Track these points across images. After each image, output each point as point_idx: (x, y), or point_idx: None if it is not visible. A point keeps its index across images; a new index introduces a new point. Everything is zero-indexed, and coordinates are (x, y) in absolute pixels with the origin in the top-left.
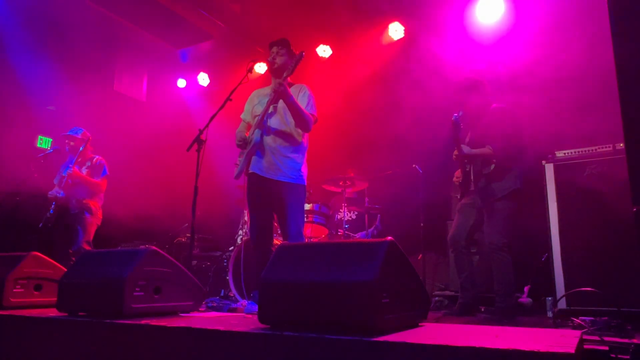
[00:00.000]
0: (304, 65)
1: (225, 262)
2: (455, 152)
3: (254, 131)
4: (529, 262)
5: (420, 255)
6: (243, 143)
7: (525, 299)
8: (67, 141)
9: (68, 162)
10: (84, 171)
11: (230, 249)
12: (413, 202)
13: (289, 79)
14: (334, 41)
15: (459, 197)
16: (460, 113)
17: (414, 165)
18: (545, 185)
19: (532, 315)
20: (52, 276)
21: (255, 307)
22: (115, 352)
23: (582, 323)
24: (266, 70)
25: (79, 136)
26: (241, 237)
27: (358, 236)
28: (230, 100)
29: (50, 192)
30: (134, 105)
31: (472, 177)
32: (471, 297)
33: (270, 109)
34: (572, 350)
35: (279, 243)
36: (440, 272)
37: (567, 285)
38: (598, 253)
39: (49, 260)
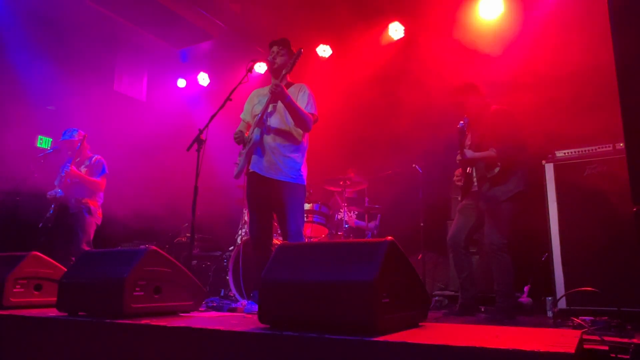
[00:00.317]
0: (304, 65)
1: (225, 262)
2: (459, 157)
3: (253, 130)
4: (529, 262)
5: (420, 255)
6: (240, 136)
7: (525, 299)
8: (67, 146)
9: (66, 163)
10: (83, 170)
11: (230, 248)
12: (413, 202)
13: (288, 78)
14: (334, 41)
15: (459, 198)
16: (466, 120)
17: (414, 165)
18: (545, 185)
19: (532, 315)
20: (52, 276)
21: (255, 307)
22: (115, 352)
23: (582, 323)
24: (266, 70)
25: (75, 138)
26: (241, 237)
27: (355, 223)
28: (230, 100)
29: (49, 192)
30: (134, 105)
31: (474, 179)
32: (471, 298)
33: (270, 108)
34: (572, 350)
35: (279, 243)
36: (440, 272)
37: (567, 285)
38: (598, 253)
39: (49, 260)
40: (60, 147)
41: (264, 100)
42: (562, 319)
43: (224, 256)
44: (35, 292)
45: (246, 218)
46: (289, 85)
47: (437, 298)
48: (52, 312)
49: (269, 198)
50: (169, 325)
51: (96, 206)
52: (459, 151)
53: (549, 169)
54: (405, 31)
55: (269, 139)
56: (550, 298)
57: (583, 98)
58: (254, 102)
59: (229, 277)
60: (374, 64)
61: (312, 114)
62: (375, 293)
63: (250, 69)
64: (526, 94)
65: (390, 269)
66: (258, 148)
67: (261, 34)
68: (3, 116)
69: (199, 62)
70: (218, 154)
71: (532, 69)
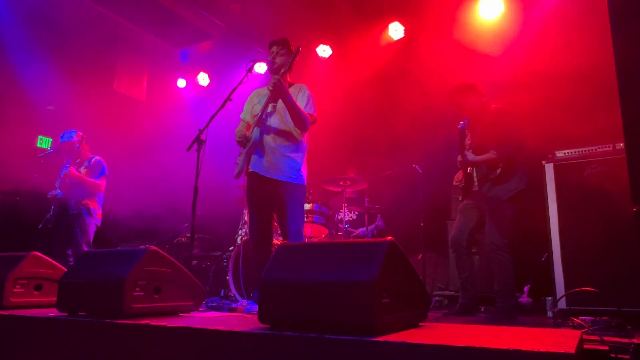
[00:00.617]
0: (304, 65)
1: (225, 262)
2: (460, 159)
3: (253, 130)
4: (529, 262)
5: (420, 255)
6: (243, 140)
7: (525, 299)
8: (66, 147)
9: (66, 164)
10: (83, 171)
11: (230, 248)
12: (413, 202)
13: (288, 78)
14: (334, 41)
15: (460, 198)
16: (466, 120)
17: (414, 165)
18: (545, 185)
19: (532, 315)
20: (52, 276)
21: (255, 307)
22: (115, 352)
23: (582, 323)
24: (266, 70)
25: (74, 139)
26: (241, 237)
27: (358, 232)
28: (230, 100)
29: (49, 193)
30: (134, 105)
31: (475, 179)
32: (471, 298)
33: (270, 108)
34: (572, 350)
35: (279, 243)
36: (440, 272)
37: (567, 285)
38: (598, 253)
39: (49, 260)
40: (59, 148)
41: (264, 100)
42: (562, 319)
43: (224, 256)
44: (35, 292)
45: (246, 218)
46: (289, 85)
47: (437, 298)
48: (52, 312)
49: (269, 198)
50: (169, 325)
51: (96, 207)
52: (459, 152)
53: (549, 169)
54: (405, 31)
55: (269, 139)
56: (550, 298)
57: (583, 98)
58: (253, 102)
59: (229, 277)
60: (374, 64)
61: (310, 115)
62: (375, 293)
63: (250, 69)
64: (526, 94)
65: (390, 269)
66: (258, 148)
67: (261, 34)
68: (3, 116)
69: (199, 62)
70: (218, 154)
71: (532, 69)
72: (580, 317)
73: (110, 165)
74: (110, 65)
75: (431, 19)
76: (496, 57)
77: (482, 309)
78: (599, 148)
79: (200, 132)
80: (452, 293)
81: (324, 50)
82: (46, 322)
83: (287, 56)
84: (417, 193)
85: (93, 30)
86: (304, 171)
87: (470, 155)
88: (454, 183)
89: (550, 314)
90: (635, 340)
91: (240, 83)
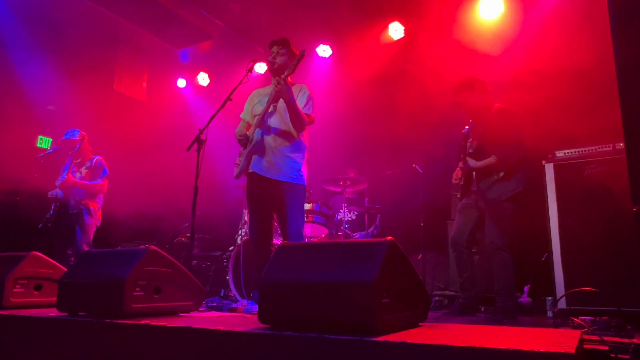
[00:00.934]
0: (304, 65)
1: (225, 262)
2: (461, 164)
3: (254, 130)
4: (529, 262)
5: (420, 255)
6: (244, 139)
7: (525, 299)
8: (68, 145)
9: (67, 164)
10: (84, 171)
11: (230, 248)
12: (413, 202)
13: (289, 78)
14: (334, 41)
15: (459, 195)
16: (471, 124)
17: (414, 165)
18: (545, 185)
19: (532, 315)
20: (52, 276)
21: (255, 307)
22: (115, 352)
23: (582, 323)
24: (266, 70)
25: (77, 137)
26: (241, 237)
27: (357, 236)
28: (230, 100)
29: (50, 192)
30: (134, 105)
31: (474, 178)
32: (471, 298)
33: (270, 109)
34: (572, 350)
35: (279, 243)
36: (440, 272)
37: (567, 285)
38: (598, 253)
39: (49, 260)
40: (60, 146)
41: (264, 100)
42: (562, 319)
43: (224, 256)
44: (35, 292)
45: (246, 218)
46: (290, 85)
47: (437, 298)
48: (52, 312)
49: (269, 198)
50: (169, 325)
51: (96, 207)
52: (461, 156)
53: (549, 169)
54: (405, 31)
55: (269, 140)
56: (550, 298)
57: (583, 98)
58: (254, 102)
59: (229, 277)
60: (374, 64)
61: (307, 115)
62: (375, 293)
63: (250, 69)
64: (526, 93)
65: (390, 269)
66: (258, 148)
67: (261, 34)
68: (3, 116)
69: (199, 62)
70: (218, 154)
71: (532, 69)
72: (580, 317)
73: (110, 165)
74: (110, 65)
75: (431, 19)
76: (496, 57)
77: (482, 309)
78: (599, 148)
79: (200, 132)
80: (452, 293)
81: (324, 50)
82: (46, 322)
83: (288, 56)
84: (417, 193)
85: (93, 30)
86: (304, 171)
87: (471, 162)
88: (454, 181)
89: (550, 314)
90: (635, 340)
91: (240, 83)
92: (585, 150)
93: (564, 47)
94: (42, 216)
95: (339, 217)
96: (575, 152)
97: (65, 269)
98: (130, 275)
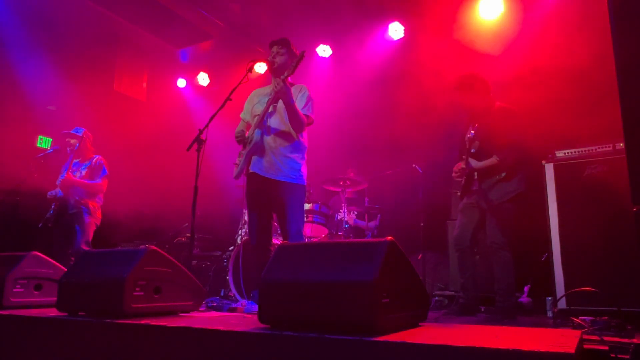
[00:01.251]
0: (304, 65)
1: (225, 262)
2: (463, 164)
3: (254, 131)
4: (529, 262)
5: (420, 255)
6: (243, 139)
7: (525, 299)
8: (67, 139)
9: (67, 163)
10: (84, 171)
11: (230, 248)
12: (413, 202)
13: (289, 79)
14: (334, 41)
15: (458, 193)
16: (477, 127)
17: (414, 165)
18: (545, 185)
19: (532, 315)
20: (52, 276)
21: (255, 307)
22: (115, 352)
23: (582, 323)
24: (266, 70)
25: (80, 135)
26: (241, 237)
27: (355, 222)
28: (230, 100)
29: (49, 192)
30: (134, 105)
31: (475, 178)
32: (472, 298)
33: (270, 109)
34: (572, 350)
35: (279, 243)
36: (440, 272)
37: (567, 285)
38: (598, 253)
39: (49, 260)
40: (60, 140)
41: (264, 100)
42: (562, 319)
43: (224, 256)
44: (35, 292)
45: (246, 218)
46: (290, 85)
47: (437, 298)
48: (52, 312)
49: (269, 198)
50: (169, 325)
51: (96, 207)
52: (462, 157)
53: (549, 169)
54: (405, 31)
55: (269, 140)
56: (550, 298)
57: (583, 98)
58: (254, 102)
59: (229, 277)
60: (374, 64)
61: (307, 116)
62: (375, 293)
63: (250, 69)
64: (526, 93)
65: (390, 269)
66: (258, 149)
67: (261, 34)
68: (3, 116)
69: (199, 62)
70: (218, 154)
71: (532, 69)
72: (580, 317)
73: (110, 165)
74: (110, 65)
75: (431, 19)
76: (496, 57)
77: (482, 309)
78: (599, 148)
79: (200, 132)
80: (452, 293)
81: (324, 50)
82: (46, 322)
83: (288, 56)
84: (417, 193)
85: (93, 30)
86: (304, 171)
87: (473, 162)
88: (453, 175)
89: (550, 314)
90: (635, 340)
91: (240, 83)
92: (585, 150)
93: (564, 47)
94: (42, 216)
95: (339, 217)
96: (575, 152)
97: (65, 269)
98: (130, 275)
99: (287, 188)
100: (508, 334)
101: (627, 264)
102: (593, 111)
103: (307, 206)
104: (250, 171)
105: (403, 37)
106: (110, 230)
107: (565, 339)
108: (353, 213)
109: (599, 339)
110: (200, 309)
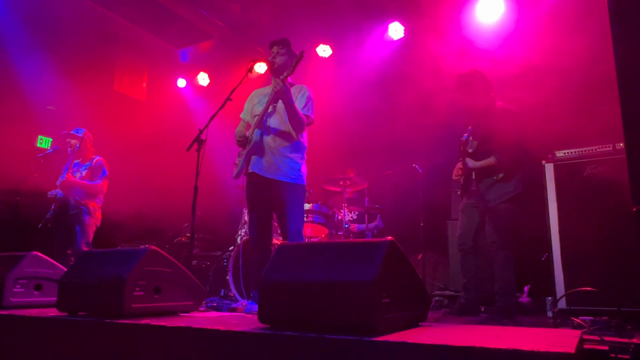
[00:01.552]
0: (304, 65)
1: (225, 262)
2: (460, 166)
3: (253, 131)
4: (529, 262)
5: (420, 255)
6: (243, 139)
7: (525, 299)
8: (67, 139)
9: (68, 164)
10: (84, 172)
11: (230, 248)
12: (413, 202)
13: (289, 79)
14: (334, 41)
15: (459, 192)
16: (470, 130)
17: (414, 165)
18: (545, 185)
19: (532, 315)
20: (52, 276)
21: (255, 307)
22: (115, 352)
23: (582, 323)
24: (266, 70)
25: (80, 135)
26: (241, 237)
27: (355, 227)
28: (230, 100)
29: (50, 192)
30: (134, 105)
31: (473, 178)
32: (474, 299)
33: (270, 109)
34: (572, 350)
35: (279, 243)
36: (440, 272)
37: (567, 285)
38: (598, 253)
39: (49, 260)
40: (61, 140)
41: (264, 100)
42: (562, 319)
43: (224, 256)
44: (35, 292)
45: (246, 218)
46: (290, 85)
47: (437, 298)
48: (52, 312)
49: (269, 198)
50: (169, 325)
51: (96, 207)
52: (460, 159)
53: (549, 169)
54: (405, 31)
55: (269, 140)
56: (550, 298)
57: (583, 98)
58: (254, 102)
59: (229, 277)
60: (374, 64)
61: (307, 116)
62: (375, 293)
63: (250, 69)
64: (526, 93)
65: (390, 269)
66: (258, 149)
67: (261, 34)
68: (3, 116)
69: (199, 62)
70: (218, 154)
71: (533, 69)
72: (580, 317)
73: (111, 165)
74: (110, 65)
75: (431, 19)
76: (496, 57)
77: (482, 309)
78: (599, 148)
79: (200, 132)
80: (452, 293)
81: (324, 50)
82: (46, 322)
83: (288, 56)
84: (417, 193)
85: (93, 30)
86: (304, 171)
87: (470, 162)
88: (454, 177)
89: (550, 314)
90: (635, 340)
91: (240, 83)
92: (585, 150)
93: (565, 47)
94: (42, 216)
95: (339, 217)
96: (575, 152)
97: (65, 269)
98: (130, 275)
99: (286, 188)
100: (508, 334)
101: (627, 264)
102: (593, 111)
103: (307, 206)
104: (250, 171)
105: (403, 37)
106: (110, 230)
107: (565, 339)
108: (354, 213)
109: (599, 339)
110: (200, 309)
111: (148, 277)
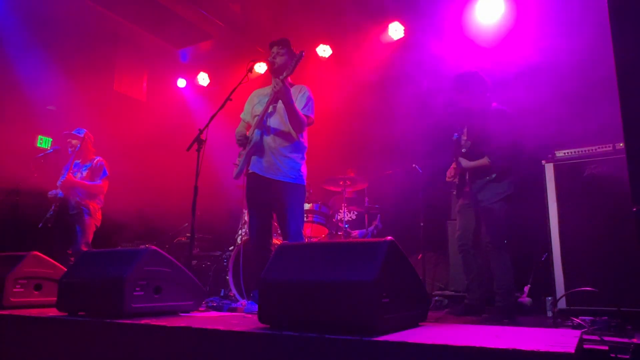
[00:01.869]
0: (304, 65)
1: (225, 262)
2: (454, 165)
3: (253, 131)
4: (529, 262)
5: (420, 255)
6: (243, 139)
7: (525, 299)
8: (68, 140)
9: (69, 164)
10: (85, 172)
11: (230, 248)
12: (413, 202)
13: (289, 79)
14: (334, 41)
15: (454, 193)
16: (461, 130)
17: (414, 165)
18: (545, 185)
19: (532, 315)
20: (52, 276)
21: (255, 307)
22: (115, 352)
23: (582, 323)
24: (266, 70)
25: (81, 136)
26: (241, 236)
27: (356, 234)
28: (230, 100)
29: (50, 192)
30: (134, 105)
31: (467, 178)
32: (477, 299)
33: (270, 109)
34: (572, 350)
35: (279, 243)
36: (440, 272)
37: (567, 285)
38: (598, 253)
39: (49, 260)
40: (62, 140)
41: (264, 100)
42: (562, 319)
43: (224, 256)
44: (35, 292)
45: (246, 218)
46: (290, 85)
47: (437, 298)
48: (52, 312)
49: (269, 198)
50: (169, 325)
51: (96, 208)
52: (454, 159)
53: (549, 169)
54: (405, 31)
55: (269, 140)
56: (550, 298)
57: (583, 98)
58: (254, 102)
59: (229, 277)
60: (374, 64)
61: (307, 117)
62: (375, 293)
63: (250, 69)
64: (526, 93)
65: (390, 269)
66: (258, 149)
67: (261, 34)
68: (3, 116)
69: (199, 62)
70: (218, 154)
71: (533, 69)
72: (580, 317)
73: (111, 165)
74: (110, 65)
75: (431, 19)
76: (496, 57)
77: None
78: (599, 148)
79: (200, 132)
80: (452, 293)
81: (324, 50)
82: (46, 322)
83: (288, 56)
84: (417, 193)
85: (93, 30)
86: (304, 171)
87: (463, 162)
88: (447, 178)
89: (550, 314)
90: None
91: (240, 83)
92: (585, 150)
93: (564, 47)
94: (42, 216)
95: (339, 217)
96: (575, 152)
97: (65, 269)
98: (130, 275)
99: (286, 188)
100: (508, 334)
101: (627, 264)
102: (593, 111)
103: (307, 206)
104: (250, 171)
105: (403, 37)
106: (110, 230)
107: (565, 339)
108: (353, 213)
109: (599, 339)
110: (200, 309)
111: (148, 277)
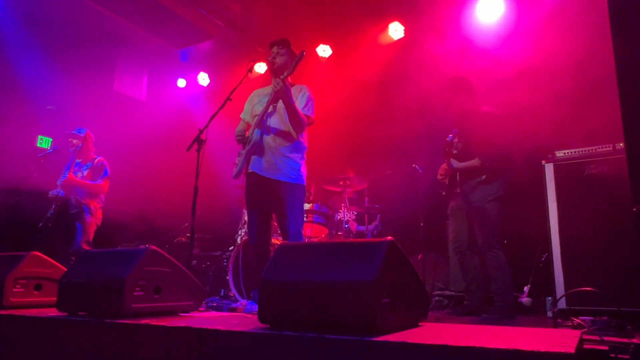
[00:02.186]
0: (304, 65)
1: (225, 262)
2: (445, 166)
3: (253, 131)
4: (529, 262)
5: (420, 255)
6: (242, 137)
7: (525, 299)
8: (69, 139)
9: (69, 163)
10: (85, 172)
11: (230, 248)
12: (413, 202)
13: (289, 79)
14: (334, 41)
15: (444, 194)
16: (455, 131)
17: (414, 165)
18: (545, 185)
19: (532, 315)
20: (52, 276)
21: (255, 307)
22: (115, 352)
23: (582, 323)
24: (266, 70)
25: (82, 135)
26: (241, 237)
27: (356, 229)
28: (230, 100)
29: (51, 192)
30: (134, 105)
31: (457, 179)
32: (477, 300)
33: (270, 109)
34: (572, 350)
35: (279, 243)
36: (440, 272)
37: (567, 285)
38: (598, 253)
39: (49, 260)
40: (64, 142)
41: (264, 100)
42: (562, 319)
43: (224, 256)
44: (35, 292)
45: (246, 218)
46: (290, 85)
47: (437, 298)
48: (52, 312)
49: (269, 198)
50: (169, 325)
51: (97, 207)
52: (445, 160)
53: (549, 169)
54: (405, 31)
55: (269, 140)
56: (550, 298)
57: (583, 98)
58: (254, 102)
59: (229, 277)
60: (374, 64)
61: (307, 116)
62: (375, 293)
63: (250, 69)
64: (526, 93)
65: (390, 269)
66: (258, 148)
67: (261, 34)
68: (3, 116)
69: (199, 62)
70: (218, 154)
71: (533, 69)
72: (580, 317)
73: (111, 165)
74: (110, 65)
75: (431, 19)
76: (496, 57)
77: None
78: (599, 148)
79: (200, 132)
80: (452, 293)
81: (324, 50)
82: (46, 322)
83: (288, 56)
84: (417, 193)
85: (93, 30)
86: (304, 171)
87: (454, 163)
88: (438, 178)
89: (550, 314)
90: (635, 340)
91: (240, 83)
92: (585, 150)
93: (564, 47)
94: (42, 216)
95: (339, 217)
96: (575, 152)
97: (65, 269)
98: (130, 275)
99: (286, 188)
100: (508, 334)
101: (627, 264)
102: (593, 111)
103: (307, 206)
104: (250, 171)
105: (403, 37)
106: (110, 230)
107: (565, 339)
108: (353, 213)
109: (599, 339)
110: (200, 309)
111: (148, 277)
